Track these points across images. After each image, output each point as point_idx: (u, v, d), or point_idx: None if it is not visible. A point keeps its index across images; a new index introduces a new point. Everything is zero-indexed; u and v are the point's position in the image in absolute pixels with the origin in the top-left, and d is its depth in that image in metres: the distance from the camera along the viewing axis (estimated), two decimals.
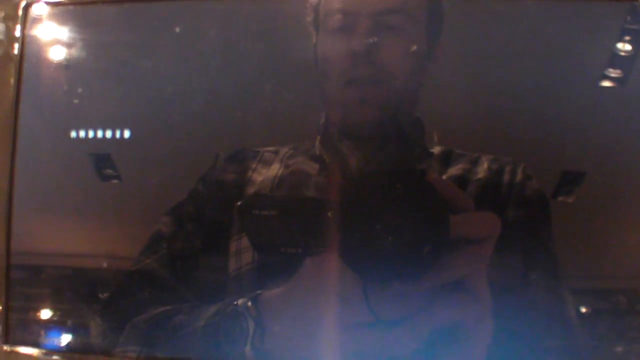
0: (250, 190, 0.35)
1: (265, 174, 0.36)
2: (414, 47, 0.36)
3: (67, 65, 0.37)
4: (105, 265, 0.37)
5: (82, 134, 0.37)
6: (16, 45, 0.36)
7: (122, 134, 0.36)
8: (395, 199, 0.28)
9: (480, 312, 0.28)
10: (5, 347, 0.37)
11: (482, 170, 0.35)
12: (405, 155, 0.35)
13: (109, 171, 0.36)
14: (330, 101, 0.37)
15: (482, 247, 0.29)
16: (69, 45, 0.36)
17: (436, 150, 0.36)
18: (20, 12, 0.37)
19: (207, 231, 0.36)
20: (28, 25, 0.36)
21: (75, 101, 0.37)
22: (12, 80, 0.36)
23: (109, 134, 0.37)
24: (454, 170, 0.35)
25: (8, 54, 0.36)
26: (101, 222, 0.37)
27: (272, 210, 0.29)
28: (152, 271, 0.35)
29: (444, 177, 0.34)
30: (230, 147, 0.36)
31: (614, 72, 0.34)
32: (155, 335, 0.33)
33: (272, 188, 0.35)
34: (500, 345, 0.30)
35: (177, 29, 0.37)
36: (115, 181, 0.37)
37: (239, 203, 0.31)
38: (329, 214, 0.29)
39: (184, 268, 0.35)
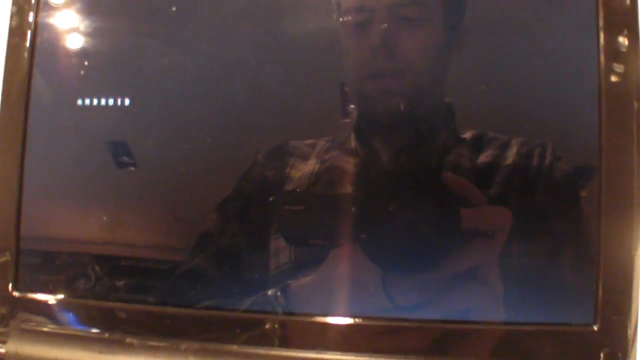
0: (289, 186, 0.37)
1: (302, 169, 0.38)
2: (434, 36, 0.38)
3: (78, 52, 0.41)
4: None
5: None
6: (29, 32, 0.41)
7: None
8: (412, 197, 0.32)
9: (491, 298, 0.32)
10: (15, 293, 0.41)
11: (511, 155, 0.36)
12: (436, 144, 0.37)
13: (125, 159, 0.40)
14: (356, 95, 0.38)
15: (493, 239, 0.32)
16: (80, 31, 0.41)
17: (468, 135, 0.36)
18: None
19: (250, 229, 0.38)
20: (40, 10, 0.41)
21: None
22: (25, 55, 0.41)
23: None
24: (484, 157, 0.36)
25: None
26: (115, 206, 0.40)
27: (300, 205, 0.34)
28: (202, 271, 0.37)
29: (475, 162, 0.36)
30: (266, 141, 0.38)
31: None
32: None
33: (309, 184, 0.37)
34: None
35: (196, 21, 0.40)
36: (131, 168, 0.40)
37: (270, 199, 0.36)
38: (353, 209, 0.34)
39: (231, 266, 0.37)
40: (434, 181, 0.33)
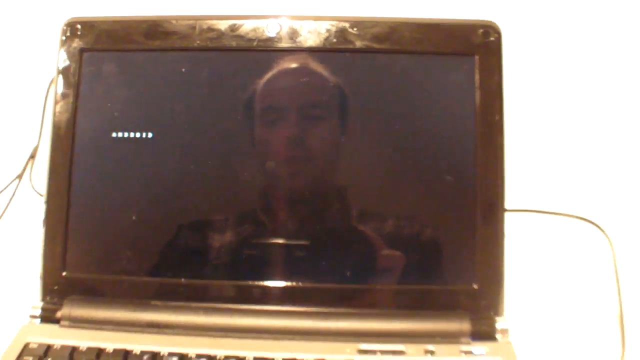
0: (210, 256, 0.51)
1: (220, 240, 0.51)
2: (331, 129, 0.52)
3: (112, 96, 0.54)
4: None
5: None
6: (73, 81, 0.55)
7: None
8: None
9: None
10: (65, 273, 0.54)
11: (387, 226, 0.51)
12: (330, 215, 0.52)
13: (150, 171, 0.53)
14: (267, 175, 0.51)
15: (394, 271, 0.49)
16: (113, 81, 0.55)
17: (353, 211, 0.51)
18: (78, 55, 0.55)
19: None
20: (83, 65, 0.55)
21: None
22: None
23: None
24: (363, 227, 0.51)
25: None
26: None
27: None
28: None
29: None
30: (189, 213, 0.52)
31: None
32: None
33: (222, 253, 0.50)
34: None
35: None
36: None
37: None
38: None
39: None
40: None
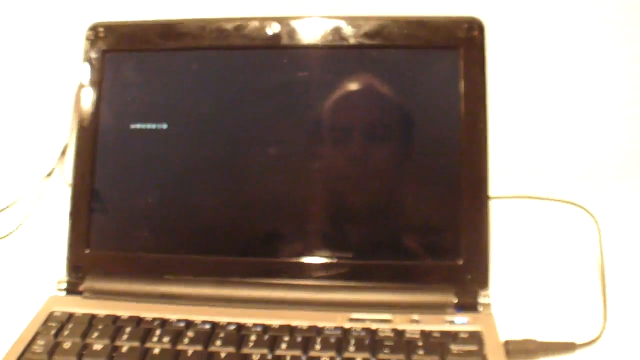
0: (215, 235, 0.58)
1: (225, 221, 0.58)
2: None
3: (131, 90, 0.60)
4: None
5: None
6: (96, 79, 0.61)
7: None
8: None
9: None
10: (87, 251, 0.60)
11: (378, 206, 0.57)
12: (324, 195, 0.58)
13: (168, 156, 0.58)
14: (266, 158, 0.58)
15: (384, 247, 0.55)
16: (133, 75, 0.61)
17: (346, 190, 0.57)
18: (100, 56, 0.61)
19: None
20: (106, 65, 0.62)
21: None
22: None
23: None
24: None
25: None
26: None
27: None
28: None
29: None
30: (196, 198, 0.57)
31: None
32: None
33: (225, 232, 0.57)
34: None
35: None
36: None
37: None
38: None
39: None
40: None
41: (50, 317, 0.54)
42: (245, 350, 0.49)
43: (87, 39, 0.61)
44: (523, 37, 0.73)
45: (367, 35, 0.57)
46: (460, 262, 0.55)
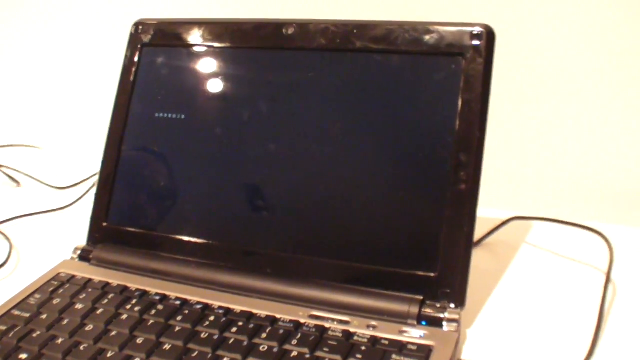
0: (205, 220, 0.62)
1: (213, 208, 0.61)
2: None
3: (157, 84, 0.67)
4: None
5: None
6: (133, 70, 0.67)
7: None
8: None
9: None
10: (104, 224, 0.65)
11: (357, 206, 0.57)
12: (303, 190, 0.59)
13: (183, 142, 0.64)
14: (261, 152, 0.61)
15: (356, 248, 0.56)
16: (159, 72, 0.67)
17: (328, 188, 0.58)
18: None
19: None
20: (142, 57, 0.68)
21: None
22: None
23: None
24: None
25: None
26: None
27: None
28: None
29: None
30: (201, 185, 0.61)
31: None
32: None
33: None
34: None
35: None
36: None
37: None
38: None
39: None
40: None
41: (56, 277, 0.60)
42: (198, 328, 0.52)
43: (131, 33, 0.67)
44: (537, 48, 0.69)
45: (372, 39, 0.58)
46: (433, 275, 0.53)
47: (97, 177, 0.64)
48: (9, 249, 0.70)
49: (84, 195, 0.84)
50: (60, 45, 1.09)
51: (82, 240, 0.64)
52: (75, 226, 0.77)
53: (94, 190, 0.75)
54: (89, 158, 0.98)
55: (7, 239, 0.73)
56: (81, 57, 1.08)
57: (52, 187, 0.89)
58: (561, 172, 0.75)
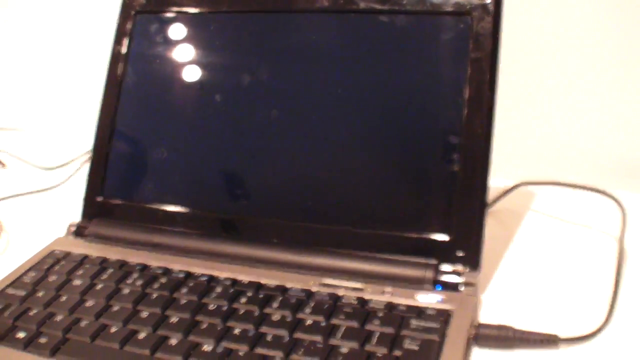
0: (206, 193, 0.59)
1: (217, 181, 0.58)
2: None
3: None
4: None
5: None
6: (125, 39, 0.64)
7: None
8: None
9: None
10: (99, 199, 0.63)
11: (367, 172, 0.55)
12: (310, 159, 0.57)
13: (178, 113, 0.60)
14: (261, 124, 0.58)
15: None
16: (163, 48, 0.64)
17: (336, 155, 0.55)
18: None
19: None
20: (136, 25, 0.65)
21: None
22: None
23: None
24: None
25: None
26: None
27: None
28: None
29: None
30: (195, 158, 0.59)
31: None
32: None
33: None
34: None
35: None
36: None
37: None
38: None
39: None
40: None
41: (50, 254, 0.57)
42: (205, 300, 0.49)
43: (122, 1, 0.64)
44: (552, 11, 0.68)
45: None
46: (448, 238, 0.51)
47: (86, 156, 0.62)
48: None
49: (73, 174, 0.81)
50: (38, 23, 1.05)
51: (73, 220, 0.62)
52: (65, 205, 0.74)
53: (83, 170, 0.73)
54: (72, 139, 0.94)
55: None
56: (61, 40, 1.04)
57: (40, 167, 0.86)
58: (571, 139, 0.73)
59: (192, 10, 0.61)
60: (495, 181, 0.54)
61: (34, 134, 1.02)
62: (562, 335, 0.46)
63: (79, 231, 0.60)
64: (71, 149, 0.89)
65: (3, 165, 0.87)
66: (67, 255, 0.57)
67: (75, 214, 0.62)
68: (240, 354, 0.44)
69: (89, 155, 0.62)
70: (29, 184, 0.79)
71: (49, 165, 0.86)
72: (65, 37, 1.01)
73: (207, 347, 0.45)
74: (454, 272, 0.50)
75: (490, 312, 0.50)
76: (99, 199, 0.61)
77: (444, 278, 0.50)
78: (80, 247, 0.58)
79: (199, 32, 0.62)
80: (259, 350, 0.44)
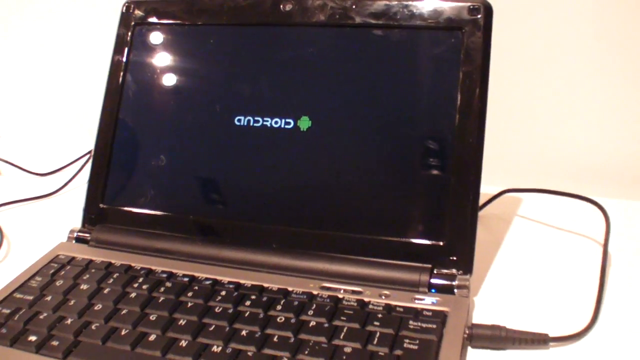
0: (207, 199, 0.61)
1: (216, 187, 0.60)
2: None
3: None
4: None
5: None
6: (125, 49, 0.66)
7: None
8: None
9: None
10: (102, 205, 0.64)
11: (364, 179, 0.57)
12: (309, 166, 0.59)
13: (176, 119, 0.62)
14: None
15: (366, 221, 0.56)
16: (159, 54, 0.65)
17: (333, 163, 0.57)
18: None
19: None
20: (135, 36, 0.67)
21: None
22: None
23: None
24: None
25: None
26: None
27: None
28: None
29: None
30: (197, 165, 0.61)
31: None
32: None
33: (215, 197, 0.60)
34: None
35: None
36: None
37: None
38: None
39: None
40: None
41: (54, 259, 0.59)
42: (210, 303, 0.51)
43: (121, 13, 0.66)
44: (535, 25, 0.71)
45: (373, 15, 0.58)
46: (442, 244, 0.54)
47: (80, 161, 0.63)
48: (0, 237, 0.68)
49: (71, 180, 0.83)
50: (36, 31, 1.06)
51: (73, 225, 0.63)
52: (63, 212, 0.76)
53: (80, 176, 0.74)
54: (62, 145, 0.96)
55: None
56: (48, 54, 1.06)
57: (35, 173, 0.87)
58: (554, 147, 0.76)
59: (190, 22, 0.63)
60: (482, 188, 0.57)
61: (24, 140, 1.03)
62: (552, 334, 0.49)
63: (81, 237, 0.62)
64: (63, 155, 0.90)
65: None
66: (71, 260, 0.58)
67: (73, 220, 0.63)
68: (249, 354, 0.46)
69: (83, 161, 0.64)
70: (25, 191, 0.80)
71: (42, 171, 0.87)
72: (60, 44, 1.02)
73: (216, 348, 0.46)
74: (448, 276, 0.52)
75: (482, 314, 0.53)
76: (101, 205, 0.63)
77: (439, 281, 0.52)
78: (83, 253, 0.60)
79: (196, 44, 0.64)
80: (267, 351, 0.46)
